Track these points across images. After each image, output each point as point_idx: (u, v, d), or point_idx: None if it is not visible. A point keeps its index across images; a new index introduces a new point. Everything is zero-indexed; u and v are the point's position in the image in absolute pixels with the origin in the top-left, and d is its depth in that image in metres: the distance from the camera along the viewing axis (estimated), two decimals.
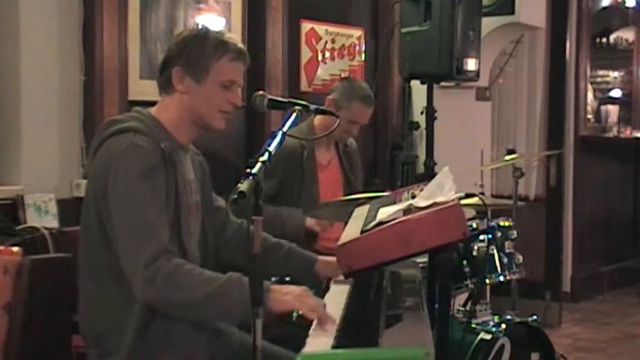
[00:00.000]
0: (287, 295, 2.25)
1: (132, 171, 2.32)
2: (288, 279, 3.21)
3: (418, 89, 5.13)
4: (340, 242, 2.35)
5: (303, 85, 4.99)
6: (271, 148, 2.21)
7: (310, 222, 3.73)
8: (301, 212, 3.72)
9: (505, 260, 3.57)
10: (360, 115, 3.89)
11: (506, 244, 3.60)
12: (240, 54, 2.52)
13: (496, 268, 3.54)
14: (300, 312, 2.22)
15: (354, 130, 3.91)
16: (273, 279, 3.22)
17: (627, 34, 8.09)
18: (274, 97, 2.55)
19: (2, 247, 2.75)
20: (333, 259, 2.74)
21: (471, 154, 5.19)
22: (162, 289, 2.24)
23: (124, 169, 2.33)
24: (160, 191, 2.35)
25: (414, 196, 2.45)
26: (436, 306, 2.65)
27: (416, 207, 2.29)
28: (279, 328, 2.98)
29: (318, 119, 3.86)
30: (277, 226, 3.53)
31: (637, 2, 7.88)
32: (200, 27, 2.57)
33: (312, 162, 3.86)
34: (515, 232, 3.66)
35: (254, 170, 2.07)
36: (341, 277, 2.63)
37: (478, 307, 3.66)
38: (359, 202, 3.04)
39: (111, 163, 2.35)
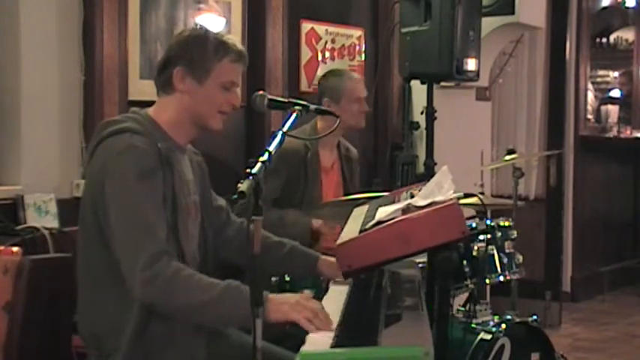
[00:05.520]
0: (283, 305, 2.25)
1: (129, 172, 2.32)
2: (288, 279, 3.22)
3: (418, 89, 5.12)
4: (339, 242, 2.35)
5: (303, 85, 4.99)
6: (271, 148, 2.21)
7: (316, 223, 3.71)
8: (305, 216, 3.69)
9: (505, 260, 3.57)
10: (357, 89, 3.92)
11: (506, 244, 3.60)
12: (240, 56, 2.53)
13: (496, 268, 3.54)
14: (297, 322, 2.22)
15: (362, 106, 3.93)
16: (274, 279, 3.22)
17: (627, 34, 8.09)
18: (274, 97, 2.55)
19: (2, 247, 2.75)
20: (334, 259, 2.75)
21: (471, 154, 5.19)
22: (160, 293, 2.25)
23: (121, 170, 2.33)
24: (157, 192, 2.35)
25: (412, 196, 2.45)
26: (435, 306, 2.65)
27: (414, 206, 2.29)
28: (278, 328, 2.99)
29: (321, 121, 3.86)
30: (281, 231, 3.53)
31: (637, 2, 7.87)
32: (200, 27, 2.58)
33: (316, 164, 3.86)
34: (515, 232, 3.66)
35: (254, 170, 2.08)
36: (341, 278, 2.64)
37: (478, 307, 3.66)
38: (358, 202, 3.04)
39: (108, 164, 2.35)
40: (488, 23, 4.97)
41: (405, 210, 2.31)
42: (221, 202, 2.79)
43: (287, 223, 3.65)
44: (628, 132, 7.76)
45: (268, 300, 2.24)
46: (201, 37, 2.50)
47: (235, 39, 2.61)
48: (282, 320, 2.25)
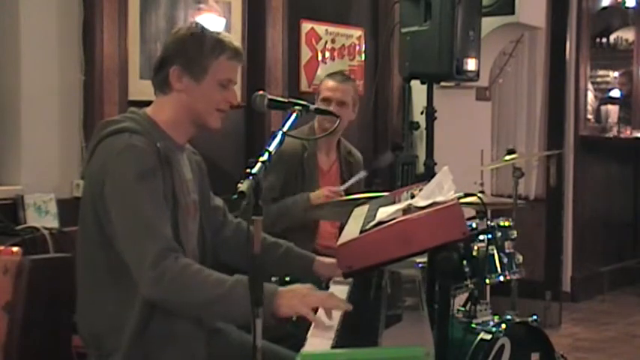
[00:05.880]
0: (292, 300, 2.24)
1: (129, 172, 2.32)
2: (288, 279, 3.22)
3: (418, 89, 5.13)
4: (340, 242, 2.35)
5: (303, 85, 4.99)
6: (271, 148, 2.21)
7: (315, 199, 3.70)
8: (306, 195, 3.72)
9: (505, 260, 3.57)
10: (325, 89, 3.87)
11: (506, 244, 3.61)
12: (237, 53, 2.53)
13: (496, 268, 3.55)
14: (306, 316, 2.21)
15: (328, 107, 3.74)
16: (273, 279, 3.22)
17: (627, 34, 8.09)
18: (274, 97, 2.55)
19: (2, 247, 2.75)
20: (330, 260, 2.75)
21: (471, 154, 5.18)
22: (170, 289, 2.25)
23: (121, 171, 2.33)
24: (158, 190, 2.35)
25: (413, 196, 2.45)
26: (436, 306, 2.65)
27: (415, 207, 2.29)
28: (279, 327, 2.98)
29: (318, 122, 3.86)
30: (284, 214, 3.61)
31: (637, 2, 7.88)
32: (196, 25, 2.57)
33: (314, 165, 3.85)
34: (515, 232, 3.67)
35: (254, 170, 2.07)
36: (340, 277, 2.64)
37: (478, 307, 3.66)
38: (358, 202, 3.04)
39: (107, 165, 2.35)
40: (488, 23, 4.97)
41: (406, 210, 2.30)
42: (218, 202, 2.79)
43: (288, 204, 3.67)
44: (628, 132, 7.76)
45: (279, 294, 2.24)
46: (198, 35, 2.50)
47: (231, 36, 2.61)
48: (292, 315, 2.24)
